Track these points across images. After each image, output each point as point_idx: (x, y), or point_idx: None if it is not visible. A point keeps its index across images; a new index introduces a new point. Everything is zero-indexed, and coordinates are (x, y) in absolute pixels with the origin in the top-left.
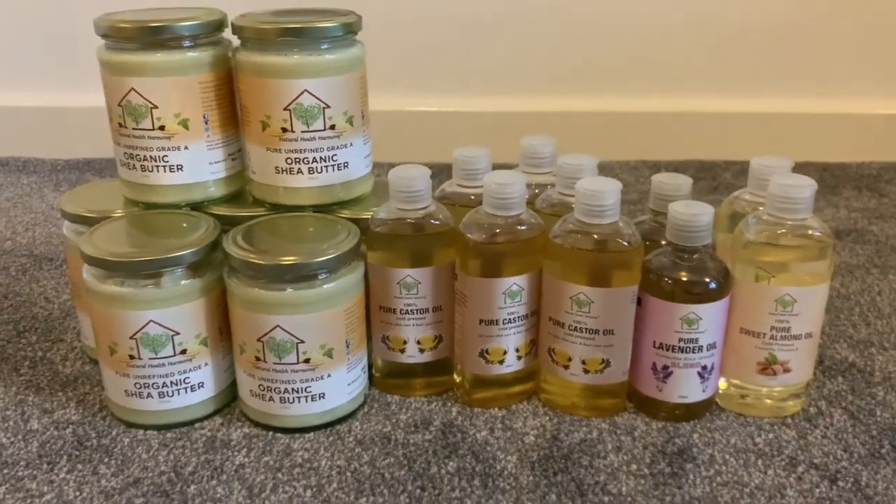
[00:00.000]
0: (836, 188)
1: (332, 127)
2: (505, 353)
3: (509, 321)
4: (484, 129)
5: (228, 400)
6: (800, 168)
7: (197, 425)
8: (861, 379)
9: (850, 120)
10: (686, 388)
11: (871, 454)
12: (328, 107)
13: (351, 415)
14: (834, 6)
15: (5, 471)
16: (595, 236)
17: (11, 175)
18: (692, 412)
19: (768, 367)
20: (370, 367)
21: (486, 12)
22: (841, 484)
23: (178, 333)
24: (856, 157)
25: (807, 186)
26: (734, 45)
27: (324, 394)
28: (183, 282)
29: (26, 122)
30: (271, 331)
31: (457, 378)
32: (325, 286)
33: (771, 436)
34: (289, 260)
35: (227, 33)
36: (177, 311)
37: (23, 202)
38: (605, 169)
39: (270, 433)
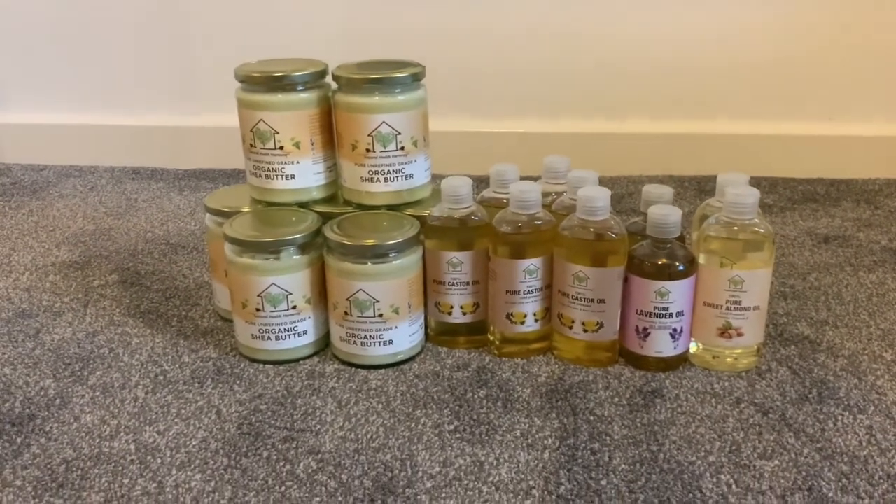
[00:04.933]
0: (837, 200)
1: (402, 148)
2: (525, 316)
3: (528, 292)
4: (529, 146)
5: (323, 346)
6: (811, 183)
7: (301, 362)
8: (809, 347)
9: (859, 141)
10: (661, 346)
11: (800, 398)
12: (399, 133)
13: (411, 358)
14: (845, 42)
15: (170, 386)
16: (591, 229)
17: (144, 181)
18: (667, 365)
19: (725, 332)
20: (426, 327)
21: (528, 57)
22: (770, 416)
23: (290, 294)
24: (862, 174)
25: (751, 195)
26: (758, 75)
27: (392, 340)
28: (295, 257)
29: (154, 139)
30: (356, 293)
31: (490, 336)
32: (394, 262)
33: (726, 384)
34: (369, 242)
35: (327, 78)
36: (290, 277)
37: (156, 203)
38: (634, 182)
39: (353, 369)
